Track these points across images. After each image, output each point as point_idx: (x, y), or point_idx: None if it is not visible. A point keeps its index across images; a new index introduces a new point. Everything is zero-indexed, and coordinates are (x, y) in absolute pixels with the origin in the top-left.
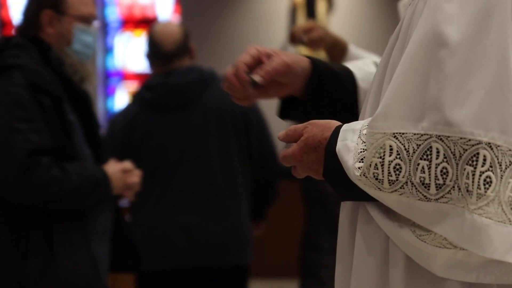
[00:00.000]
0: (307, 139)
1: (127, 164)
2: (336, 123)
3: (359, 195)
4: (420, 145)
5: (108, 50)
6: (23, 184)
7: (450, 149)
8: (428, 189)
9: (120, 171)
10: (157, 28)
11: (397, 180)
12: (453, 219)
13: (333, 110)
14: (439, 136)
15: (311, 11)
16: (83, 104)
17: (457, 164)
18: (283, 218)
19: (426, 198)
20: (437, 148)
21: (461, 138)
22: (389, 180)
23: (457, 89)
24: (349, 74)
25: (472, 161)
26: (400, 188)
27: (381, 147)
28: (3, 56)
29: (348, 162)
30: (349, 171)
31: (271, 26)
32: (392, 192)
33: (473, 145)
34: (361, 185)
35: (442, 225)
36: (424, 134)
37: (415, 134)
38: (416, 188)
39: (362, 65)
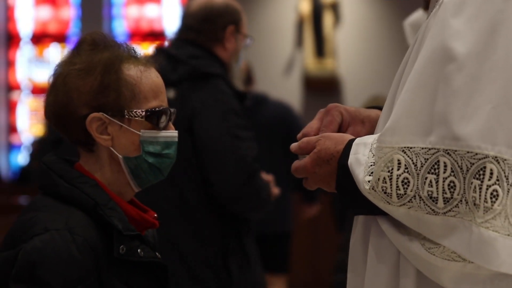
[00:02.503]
0: (320, 152)
1: (270, 177)
2: (349, 136)
3: (370, 209)
4: (428, 159)
5: None
6: (248, 190)
7: (458, 163)
8: (436, 203)
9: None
10: None
11: (405, 194)
12: (461, 233)
13: None
14: (447, 150)
15: (318, 24)
16: None
17: (464, 178)
18: None
19: (434, 212)
20: (444, 162)
21: (468, 152)
22: (397, 193)
23: (465, 104)
24: None
25: (479, 175)
26: (409, 201)
27: (389, 161)
28: (199, 65)
29: (359, 176)
30: (360, 184)
31: (278, 40)
32: (400, 205)
33: (480, 159)
34: (370, 198)
35: (450, 238)
36: (432, 148)
37: (423, 148)
38: (424, 202)
39: None
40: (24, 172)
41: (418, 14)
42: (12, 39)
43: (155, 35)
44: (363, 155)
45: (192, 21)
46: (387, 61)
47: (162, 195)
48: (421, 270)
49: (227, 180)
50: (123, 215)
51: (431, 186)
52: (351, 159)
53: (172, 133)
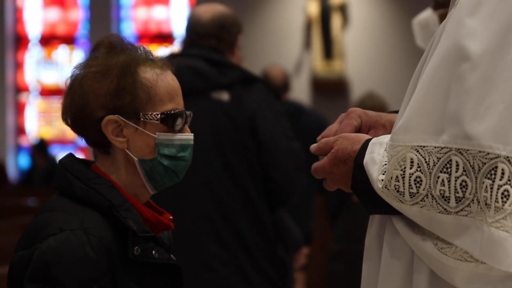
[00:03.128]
0: (337, 152)
1: None
2: (366, 136)
3: (385, 208)
4: (440, 158)
5: None
6: (301, 186)
7: (469, 163)
8: (448, 202)
9: None
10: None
11: (417, 192)
12: (473, 232)
13: None
14: (459, 149)
15: (326, 26)
16: None
17: (476, 177)
18: None
19: (446, 211)
20: (456, 161)
21: (480, 152)
22: (410, 192)
23: (477, 103)
24: None
25: (491, 175)
26: (421, 200)
27: (402, 160)
28: (245, 70)
29: (373, 175)
30: (373, 183)
31: (287, 41)
32: (413, 204)
33: (491, 159)
34: (384, 197)
35: (462, 238)
36: (444, 147)
37: (435, 147)
38: (436, 201)
39: None
40: (28, 174)
41: (427, 13)
42: (20, 41)
43: (163, 37)
44: (378, 154)
45: (211, 29)
46: (395, 63)
47: (226, 192)
48: (434, 269)
49: (287, 177)
50: (138, 217)
51: (443, 185)
52: (367, 158)
53: (187, 136)
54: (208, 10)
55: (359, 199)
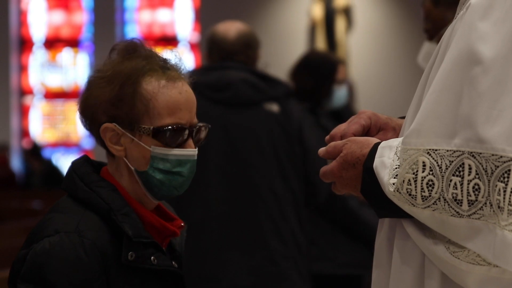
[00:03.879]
0: (346, 156)
1: None
2: (375, 140)
3: (395, 212)
4: (452, 161)
5: None
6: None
7: (482, 166)
8: (461, 205)
9: None
10: None
11: (430, 196)
12: (485, 236)
13: None
14: (471, 152)
15: (330, 29)
16: None
17: (489, 180)
18: None
19: (459, 214)
20: (469, 165)
21: (492, 155)
22: (422, 196)
23: (490, 107)
24: None
25: (504, 178)
26: (433, 204)
27: (414, 163)
28: (285, 83)
29: (384, 178)
30: (384, 187)
31: (291, 44)
32: (425, 208)
33: (504, 162)
34: (395, 200)
35: (474, 241)
36: (457, 151)
37: (448, 150)
38: (448, 204)
39: None
40: (26, 178)
41: (426, 48)
42: (25, 44)
43: (167, 39)
44: (388, 158)
45: (239, 47)
46: (399, 66)
47: (283, 194)
48: (446, 273)
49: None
50: (137, 222)
51: (456, 188)
52: (376, 162)
53: (186, 152)
54: (232, 29)
55: (369, 202)
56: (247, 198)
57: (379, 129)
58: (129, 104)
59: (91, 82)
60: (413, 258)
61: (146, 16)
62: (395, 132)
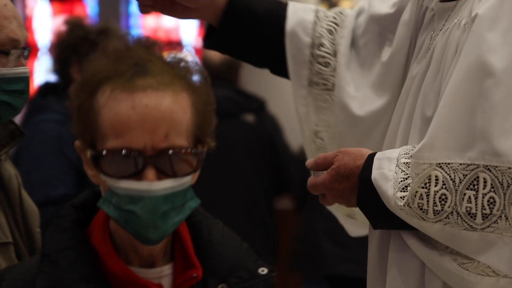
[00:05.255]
0: (339, 168)
1: None
2: (367, 151)
3: (394, 224)
4: (466, 175)
5: None
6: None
7: (498, 179)
8: (474, 219)
9: None
10: None
11: (442, 210)
12: (500, 249)
13: (248, 49)
14: (487, 166)
15: None
16: None
17: (504, 193)
18: None
19: (472, 228)
20: (484, 178)
21: (509, 168)
22: (434, 210)
23: (504, 119)
24: (275, 17)
25: None
26: (445, 218)
27: (427, 178)
28: (258, 98)
29: (387, 192)
30: (389, 200)
31: None
32: (436, 222)
33: None
34: (402, 214)
35: (487, 254)
36: (471, 164)
37: (461, 164)
38: (461, 218)
39: (301, 10)
40: None
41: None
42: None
43: (172, 45)
44: (389, 170)
45: (222, 70)
46: None
47: (252, 186)
48: (451, 284)
49: (293, 174)
50: (65, 274)
51: (470, 202)
52: (375, 174)
53: (137, 185)
54: (217, 54)
55: (365, 214)
56: (228, 187)
57: None
58: (83, 120)
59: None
60: (412, 271)
61: (151, 21)
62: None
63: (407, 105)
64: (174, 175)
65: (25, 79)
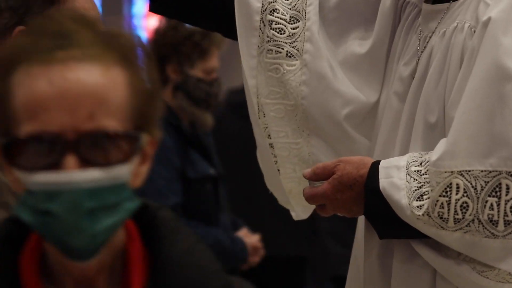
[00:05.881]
0: (341, 177)
1: None
2: (369, 159)
3: (403, 233)
4: (488, 182)
5: None
6: None
7: None
8: (496, 226)
9: None
10: None
11: (463, 218)
12: None
13: (195, 13)
14: (509, 172)
15: None
16: None
17: None
18: None
19: (494, 235)
20: (507, 185)
21: None
22: (455, 218)
23: None
24: None
25: None
26: (466, 226)
27: (448, 186)
28: None
29: (400, 201)
30: (404, 210)
31: None
32: (456, 230)
33: None
34: (419, 224)
35: (508, 261)
36: (493, 171)
37: (482, 171)
38: (483, 226)
39: None
40: None
41: None
42: None
43: None
44: (399, 179)
45: None
46: None
47: None
48: None
49: None
50: None
51: (492, 209)
52: (384, 183)
53: (55, 177)
54: None
55: (372, 224)
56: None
57: None
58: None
59: None
60: (420, 282)
61: (153, 22)
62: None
63: (405, 110)
64: (102, 164)
65: None
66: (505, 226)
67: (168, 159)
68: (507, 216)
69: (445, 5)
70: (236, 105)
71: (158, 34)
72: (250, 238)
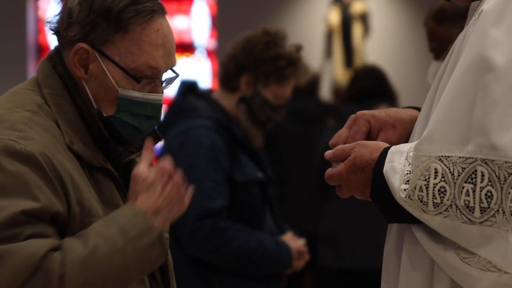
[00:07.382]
0: (355, 159)
1: None
2: (384, 144)
3: (405, 217)
4: (465, 168)
5: None
6: None
7: (495, 173)
8: (473, 213)
9: None
10: None
11: (441, 202)
12: (497, 243)
13: None
14: (484, 159)
15: (347, 36)
16: None
17: (501, 187)
18: None
19: (471, 221)
20: (482, 172)
21: (506, 162)
22: (433, 202)
23: (503, 113)
24: None
25: None
26: (445, 211)
27: (426, 170)
28: None
29: (394, 184)
30: (395, 192)
31: (308, 51)
32: (436, 214)
33: None
34: (406, 206)
35: (486, 248)
36: (469, 158)
37: (460, 157)
38: (460, 211)
39: None
40: None
41: (434, 67)
42: (42, 51)
43: (184, 46)
44: (398, 163)
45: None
46: (415, 72)
47: None
48: (455, 279)
49: None
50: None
51: (468, 195)
52: (387, 167)
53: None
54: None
55: (378, 207)
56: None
57: (378, 130)
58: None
59: None
60: (422, 264)
61: None
62: (395, 129)
63: (425, 104)
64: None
65: (155, 106)
66: (481, 213)
67: (218, 162)
68: (482, 203)
69: (477, 2)
70: (296, 111)
71: (248, 42)
72: (295, 242)
